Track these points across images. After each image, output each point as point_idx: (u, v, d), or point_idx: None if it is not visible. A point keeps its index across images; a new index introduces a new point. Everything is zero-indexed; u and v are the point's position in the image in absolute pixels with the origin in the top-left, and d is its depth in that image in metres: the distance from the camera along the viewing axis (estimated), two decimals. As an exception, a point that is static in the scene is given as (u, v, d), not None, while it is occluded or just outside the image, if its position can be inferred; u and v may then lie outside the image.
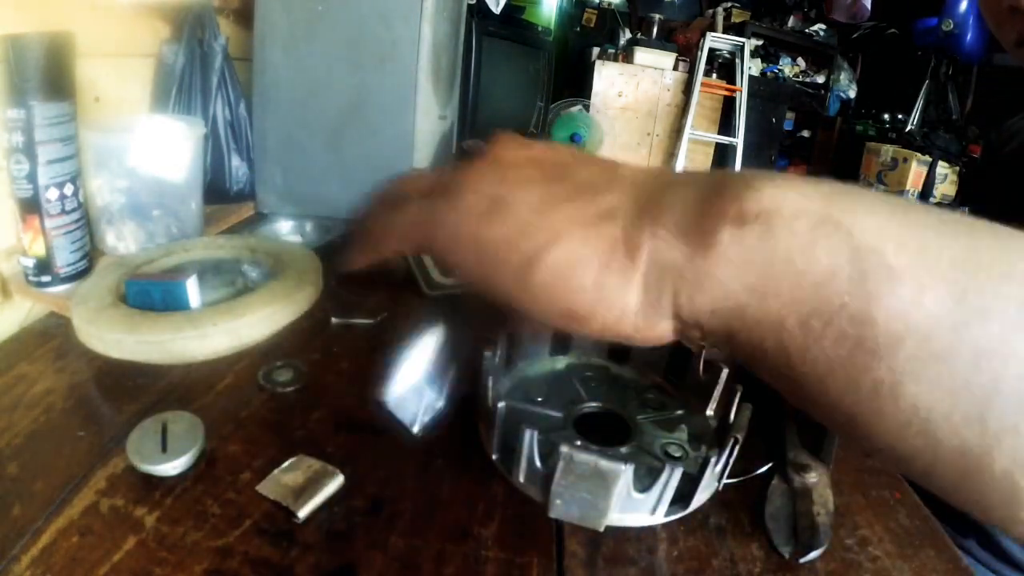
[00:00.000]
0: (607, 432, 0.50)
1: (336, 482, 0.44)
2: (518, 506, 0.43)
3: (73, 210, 0.65)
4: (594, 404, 0.53)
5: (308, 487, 0.43)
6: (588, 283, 0.26)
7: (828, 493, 0.48)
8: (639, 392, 0.56)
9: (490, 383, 0.47)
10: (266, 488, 0.43)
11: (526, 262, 0.26)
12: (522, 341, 0.56)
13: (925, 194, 3.22)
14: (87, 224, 0.68)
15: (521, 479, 0.43)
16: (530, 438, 0.41)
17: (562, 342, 0.59)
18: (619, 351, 0.59)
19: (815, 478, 0.49)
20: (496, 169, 0.29)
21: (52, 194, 0.62)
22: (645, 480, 0.43)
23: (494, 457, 0.46)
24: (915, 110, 3.65)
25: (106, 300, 0.60)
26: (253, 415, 0.51)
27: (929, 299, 0.21)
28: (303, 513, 0.41)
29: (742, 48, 3.39)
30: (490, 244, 0.28)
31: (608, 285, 0.26)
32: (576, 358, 0.59)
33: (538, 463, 0.42)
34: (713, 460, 0.42)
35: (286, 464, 0.45)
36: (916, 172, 3.22)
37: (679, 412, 0.54)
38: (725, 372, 0.51)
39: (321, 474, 0.44)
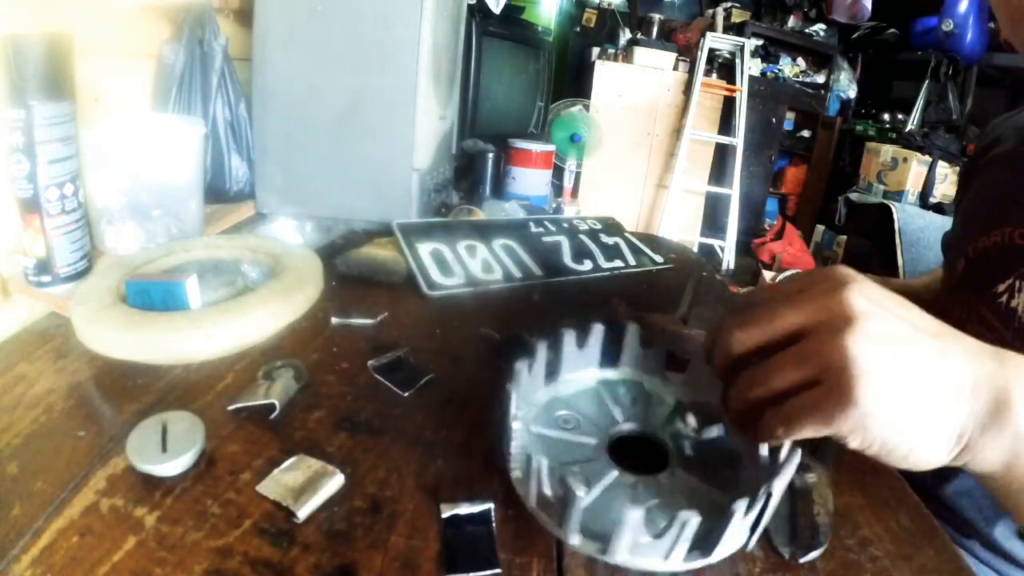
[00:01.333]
0: (643, 457, 0.48)
1: (336, 482, 0.44)
2: (518, 506, 0.43)
3: (73, 210, 0.65)
4: (630, 427, 0.50)
5: (308, 487, 0.43)
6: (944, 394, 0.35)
7: (828, 493, 0.48)
8: (681, 415, 0.52)
9: (513, 403, 0.44)
10: (266, 488, 0.43)
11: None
12: (565, 351, 0.53)
13: (925, 194, 3.21)
14: (87, 224, 0.68)
15: (533, 504, 0.42)
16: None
17: (612, 356, 0.56)
18: (675, 366, 0.56)
19: (815, 478, 0.48)
20: (876, 316, 0.34)
21: (52, 194, 0.62)
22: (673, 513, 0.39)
23: (514, 475, 0.43)
24: (915, 110, 3.64)
25: (106, 300, 0.60)
26: (253, 414, 0.51)
27: None
28: (303, 513, 0.41)
29: (742, 48, 3.39)
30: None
31: (949, 402, 0.35)
32: (622, 374, 0.57)
33: (547, 490, 0.40)
34: (741, 510, 0.37)
35: (286, 464, 0.45)
36: (916, 172, 3.21)
37: (721, 436, 0.50)
38: None
39: (321, 474, 0.44)
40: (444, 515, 0.42)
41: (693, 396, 0.54)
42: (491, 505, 0.43)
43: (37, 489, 0.42)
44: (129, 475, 0.43)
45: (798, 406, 0.35)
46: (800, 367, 0.35)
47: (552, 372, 0.54)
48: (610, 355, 0.57)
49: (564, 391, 0.54)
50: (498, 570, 0.39)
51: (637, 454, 0.48)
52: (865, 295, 0.35)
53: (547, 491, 0.40)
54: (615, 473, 0.45)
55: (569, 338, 0.53)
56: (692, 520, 0.36)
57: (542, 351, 0.51)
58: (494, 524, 0.42)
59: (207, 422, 0.47)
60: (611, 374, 0.57)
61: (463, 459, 0.49)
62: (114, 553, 0.37)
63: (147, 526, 0.39)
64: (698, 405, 0.53)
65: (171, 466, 0.43)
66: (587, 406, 0.53)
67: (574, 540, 0.39)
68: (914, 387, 0.34)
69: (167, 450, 0.44)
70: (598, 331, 0.55)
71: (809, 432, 0.35)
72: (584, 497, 0.37)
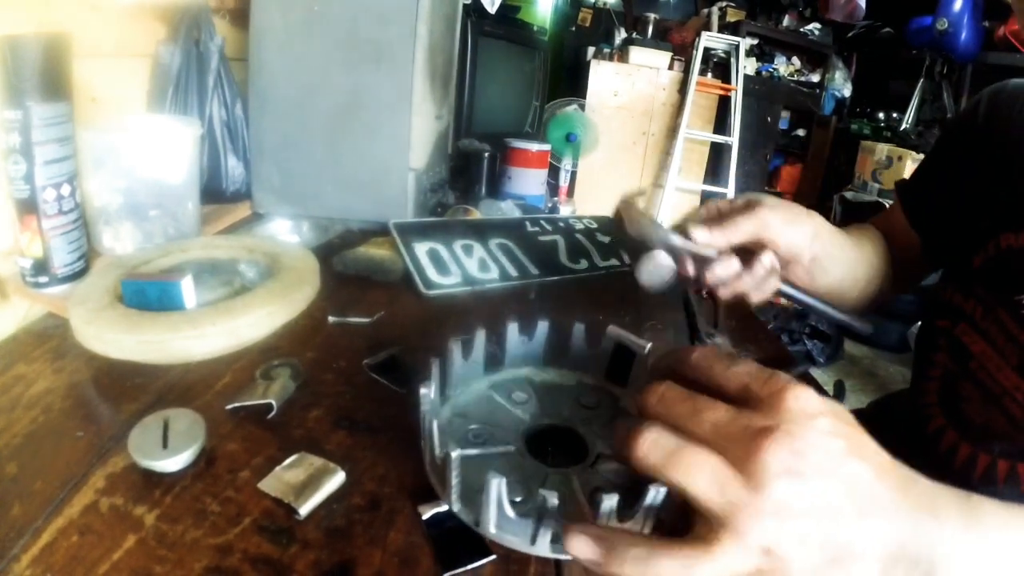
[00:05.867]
0: (561, 446, 0.49)
1: (337, 479, 0.44)
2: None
3: (70, 210, 0.65)
4: (542, 422, 0.51)
5: (310, 484, 0.43)
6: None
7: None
8: (575, 397, 0.54)
9: (435, 430, 0.42)
10: (268, 485, 0.43)
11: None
12: (454, 365, 0.52)
13: (920, 193, 3.23)
14: (84, 224, 0.68)
15: (492, 530, 0.40)
16: (498, 487, 0.38)
17: (495, 358, 0.56)
18: (556, 356, 0.58)
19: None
20: (809, 471, 0.28)
21: (49, 195, 0.62)
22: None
23: (455, 509, 0.42)
24: (910, 109, 3.66)
25: (104, 300, 0.60)
26: (252, 413, 0.51)
27: None
28: (304, 510, 0.41)
29: (737, 47, 3.39)
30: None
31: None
32: (509, 373, 0.57)
33: (510, 512, 0.39)
34: (612, 504, 0.35)
35: (288, 461, 0.45)
36: (911, 171, 3.23)
37: (620, 412, 0.53)
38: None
39: (322, 471, 0.44)
40: (424, 516, 0.42)
41: (580, 378, 0.57)
42: None
43: (36, 489, 0.42)
44: (129, 474, 0.43)
45: (697, 463, 0.29)
46: (724, 430, 0.30)
47: (443, 388, 0.52)
48: (492, 356, 0.56)
49: (460, 404, 0.52)
50: (493, 556, 0.40)
51: (555, 445, 0.49)
52: (828, 426, 0.30)
53: (510, 513, 0.40)
54: (546, 472, 0.45)
55: (456, 351, 0.52)
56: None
57: (435, 369, 0.48)
58: None
59: (206, 421, 0.47)
60: (498, 376, 0.56)
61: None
62: (114, 551, 0.37)
63: (147, 524, 0.39)
64: (593, 388, 0.55)
65: (172, 462, 0.43)
66: (488, 414, 0.51)
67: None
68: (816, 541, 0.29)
69: (168, 446, 0.44)
70: (480, 337, 0.54)
71: (684, 487, 0.29)
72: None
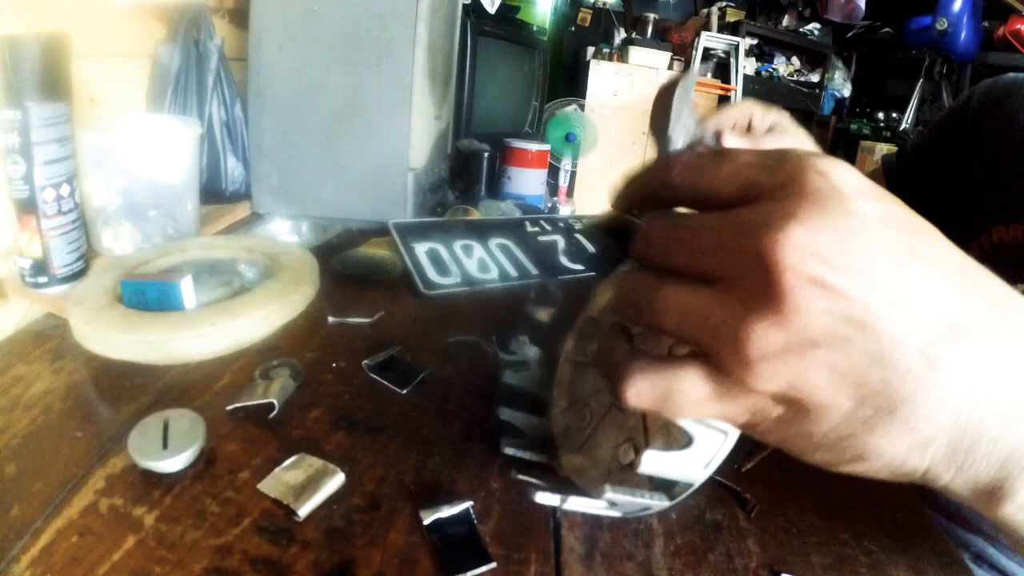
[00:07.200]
0: None
1: (337, 480, 0.44)
2: (516, 502, 0.44)
3: (69, 211, 0.65)
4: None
5: (309, 485, 0.43)
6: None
7: None
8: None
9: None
10: (267, 486, 0.43)
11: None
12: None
13: (919, 192, 3.23)
14: (83, 225, 0.68)
15: None
16: None
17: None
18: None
19: None
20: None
21: (48, 195, 0.62)
22: None
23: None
24: (909, 109, 3.66)
25: (103, 301, 0.60)
26: (251, 414, 0.51)
27: None
28: (304, 511, 0.41)
29: (737, 47, 3.40)
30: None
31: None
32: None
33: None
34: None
35: (287, 462, 0.45)
36: (910, 170, 3.23)
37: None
38: None
39: (322, 472, 0.44)
40: (425, 522, 0.42)
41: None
42: (469, 504, 0.43)
43: (36, 490, 0.42)
44: (128, 474, 0.43)
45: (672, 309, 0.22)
46: (698, 256, 0.22)
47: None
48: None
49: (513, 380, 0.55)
50: (493, 564, 0.39)
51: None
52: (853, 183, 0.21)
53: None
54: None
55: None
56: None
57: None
58: (475, 521, 0.42)
59: (206, 421, 0.47)
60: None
61: (461, 456, 0.49)
62: (114, 552, 0.37)
63: (146, 525, 0.39)
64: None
65: (171, 463, 0.43)
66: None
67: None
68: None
69: (168, 447, 0.44)
70: None
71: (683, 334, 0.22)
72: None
